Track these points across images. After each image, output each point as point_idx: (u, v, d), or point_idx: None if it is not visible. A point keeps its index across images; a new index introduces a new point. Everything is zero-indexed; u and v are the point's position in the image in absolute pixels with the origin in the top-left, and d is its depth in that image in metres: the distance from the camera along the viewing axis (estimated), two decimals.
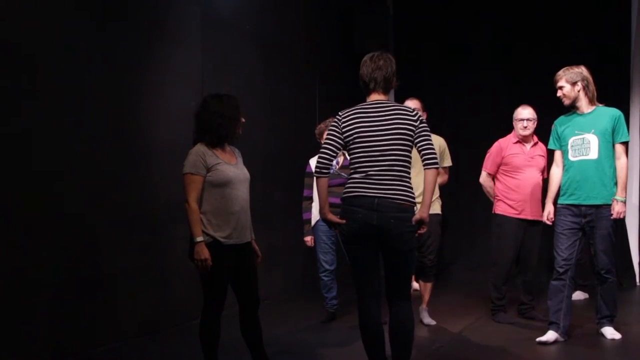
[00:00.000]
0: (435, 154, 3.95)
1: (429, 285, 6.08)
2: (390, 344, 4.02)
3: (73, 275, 4.99)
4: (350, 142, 3.99)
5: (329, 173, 4.07)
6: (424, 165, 3.97)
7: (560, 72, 5.35)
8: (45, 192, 4.76)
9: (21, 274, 4.58)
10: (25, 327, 4.60)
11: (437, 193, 5.87)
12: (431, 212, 5.43)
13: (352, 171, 4.02)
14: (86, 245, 5.13)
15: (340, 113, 4.07)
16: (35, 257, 4.68)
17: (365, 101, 4.07)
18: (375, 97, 4.05)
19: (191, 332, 4.71)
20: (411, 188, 3.98)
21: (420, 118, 3.98)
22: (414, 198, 3.98)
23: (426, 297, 6.13)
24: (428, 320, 6.09)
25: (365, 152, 3.95)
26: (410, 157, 3.98)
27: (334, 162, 5.72)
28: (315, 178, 4.13)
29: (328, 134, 4.07)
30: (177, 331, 5.82)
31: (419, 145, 3.96)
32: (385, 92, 4.07)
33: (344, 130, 4.01)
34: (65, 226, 4.92)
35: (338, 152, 4.05)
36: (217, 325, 4.21)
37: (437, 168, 3.96)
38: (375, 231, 3.90)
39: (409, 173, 3.99)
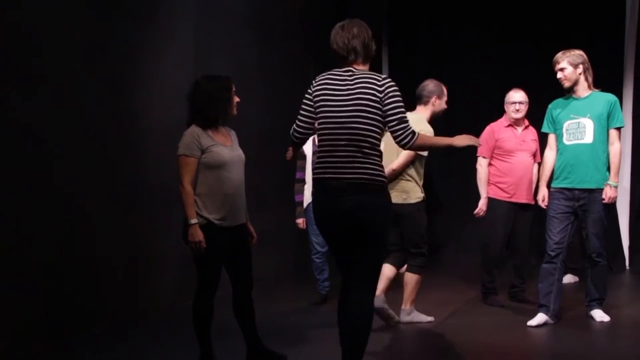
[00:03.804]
0: (406, 129, 3.58)
1: (414, 278, 5.39)
2: (340, 338, 3.69)
3: (66, 257, 4.99)
4: (318, 114, 3.72)
5: (299, 142, 3.89)
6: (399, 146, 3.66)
7: (560, 54, 5.32)
8: (38, 174, 4.75)
9: (14, 256, 4.57)
10: (18, 310, 4.60)
11: (410, 179, 5.35)
12: (402, 202, 5.27)
13: (318, 148, 3.76)
14: (79, 227, 5.13)
15: (316, 79, 3.80)
16: (28, 240, 4.67)
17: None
18: (356, 67, 3.73)
19: (184, 313, 4.72)
20: (380, 167, 3.64)
21: (388, 85, 3.61)
22: (382, 178, 3.64)
23: (406, 293, 5.42)
24: (407, 317, 5.45)
25: (328, 126, 3.66)
26: (377, 133, 3.62)
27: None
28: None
29: (302, 102, 3.80)
30: (170, 313, 5.84)
31: (387, 121, 3.60)
32: (366, 61, 3.77)
33: (315, 99, 3.74)
34: (59, 208, 4.91)
35: (311, 119, 3.77)
36: (210, 307, 4.23)
37: (412, 147, 3.62)
38: (339, 216, 3.59)
39: (375, 149, 3.63)
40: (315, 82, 3.78)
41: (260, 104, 7.26)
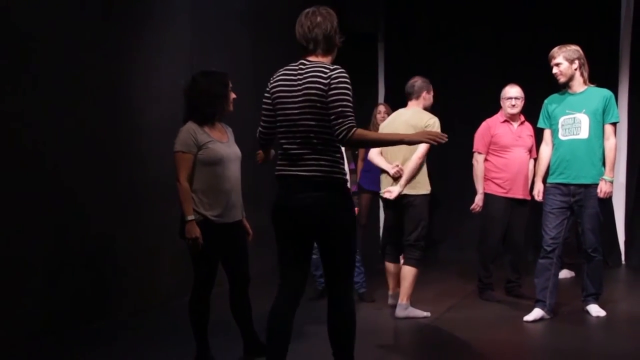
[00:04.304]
0: (343, 124, 3.27)
1: (412, 271, 5.39)
2: (330, 342, 3.66)
3: (63, 253, 4.99)
4: (276, 112, 3.51)
5: (265, 144, 3.76)
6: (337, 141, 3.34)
7: (556, 49, 5.32)
8: (36, 170, 4.75)
9: (12, 253, 4.57)
10: (15, 306, 4.61)
11: (416, 171, 5.42)
12: (415, 193, 5.41)
13: (280, 146, 3.57)
14: (77, 225, 5.13)
15: (273, 75, 3.59)
16: (26, 236, 4.67)
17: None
18: (311, 59, 3.48)
19: (181, 310, 4.73)
20: (338, 162, 3.44)
21: (334, 77, 3.32)
22: (340, 174, 3.45)
23: (404, 288, 5.42)
24: (403, 312, 5.45)
25: (282, 123, 3.47)
26: (330, 127, 3.34)
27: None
28: None
29: (262, 102, 3.62)
30: (167, 309, 5.84)
31: (328, 114, 3.31)
32: (327, 53, 3.49)
33: (272, 96, 3.54)
34: (56, 206, 4.91)
35: (272, 118, 3.55)
36: (207, 303, 4.24)
37: (349, 143, 3.33)
38: (294, 215, 3.46)
39: (332, 145, 3.40)
40: (272, 78, 3.57)
41: (256, 101, 7.20)
